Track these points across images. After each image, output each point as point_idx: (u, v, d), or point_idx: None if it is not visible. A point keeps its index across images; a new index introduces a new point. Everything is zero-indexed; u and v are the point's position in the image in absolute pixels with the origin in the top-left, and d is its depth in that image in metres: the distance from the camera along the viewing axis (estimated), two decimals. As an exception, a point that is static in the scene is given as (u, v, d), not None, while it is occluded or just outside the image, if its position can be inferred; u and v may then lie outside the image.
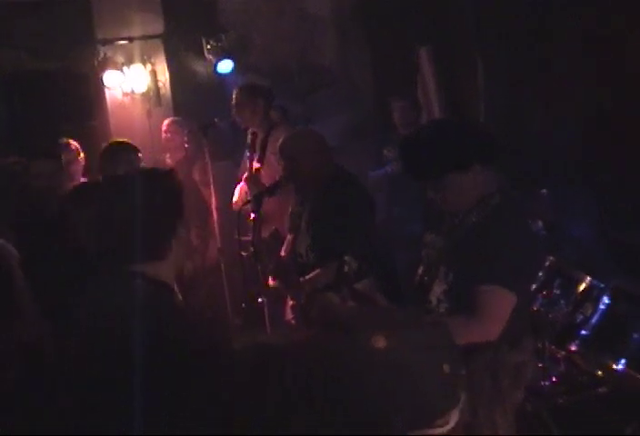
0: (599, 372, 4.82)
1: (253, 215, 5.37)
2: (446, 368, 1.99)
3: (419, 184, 3.75)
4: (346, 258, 3.83)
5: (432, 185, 3.55)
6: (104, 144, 6.17)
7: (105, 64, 8.18)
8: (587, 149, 7.07)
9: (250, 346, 1.57)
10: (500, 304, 3.37)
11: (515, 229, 3.50)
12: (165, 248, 2.68)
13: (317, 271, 4.88)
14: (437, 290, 3.56)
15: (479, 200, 3.52)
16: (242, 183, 6.45)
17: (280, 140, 5.28)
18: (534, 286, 5.01)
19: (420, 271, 3.74)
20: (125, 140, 6.08)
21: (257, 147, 6.43)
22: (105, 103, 8.50)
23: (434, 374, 1.94)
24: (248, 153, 6.43)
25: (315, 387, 1.47)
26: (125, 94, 8.43)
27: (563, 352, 4.95)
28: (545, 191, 5.78)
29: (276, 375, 1.46)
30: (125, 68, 8.28)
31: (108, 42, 8.24)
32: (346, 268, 3.78)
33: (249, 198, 5.74)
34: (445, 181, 3.46)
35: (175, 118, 7.84)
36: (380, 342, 1.81)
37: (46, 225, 4.87)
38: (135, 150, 5.79)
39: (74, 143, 6.74)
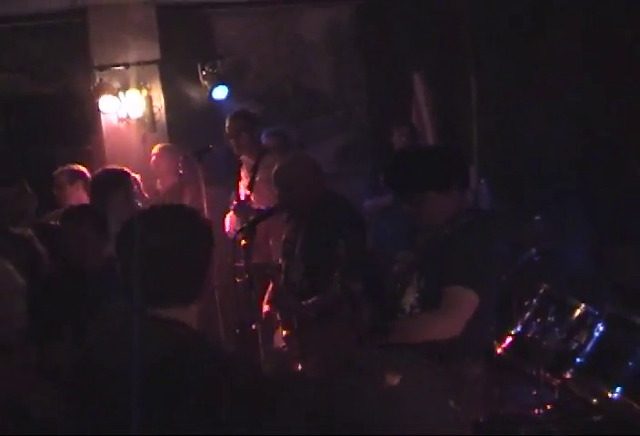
0: (594, 400, 4.79)
1: (244, 242, 5.36)
2: (452, 403, 2.02)
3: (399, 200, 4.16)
4: (349, 281, 4.07)
5: (410, 199, 3.96)
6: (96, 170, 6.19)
7: (102, 89, 8.18)
8: (582, 169, 7.10)
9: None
10: (461, 301, 3.74)
11: (480, 242, 3.88)
12: (195, 293, 2.58)
13: (318, 296, 4.86)
14: (410, 297, 3.90)
15: (451, 217, 3.92)
16: (231, 213, 6.48)
17: (273, 167, 5.28)
18: (527, 313, 5.02)
19: (391, 283, 4.06)
20: (117, 167, 6.08)
21: (247, 175, 6.47)
22: (101, 127, 8.50)
23: (442, 409, 1.97)
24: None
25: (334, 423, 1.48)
26: (121, 120, 8.43)
27: (557, 380, 4.92)
28: (538, 217, 5.78)
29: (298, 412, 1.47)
30: (120, 93, 8.29)
31: (105, 67, 8.25)
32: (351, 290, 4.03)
33: (243, 225, 5.72)
34: (424, 197, 3.89)
35: (166, 144, 7.87)
36: (393, 380, 1.85)
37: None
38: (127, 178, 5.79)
39: (68, 170, 6.76)
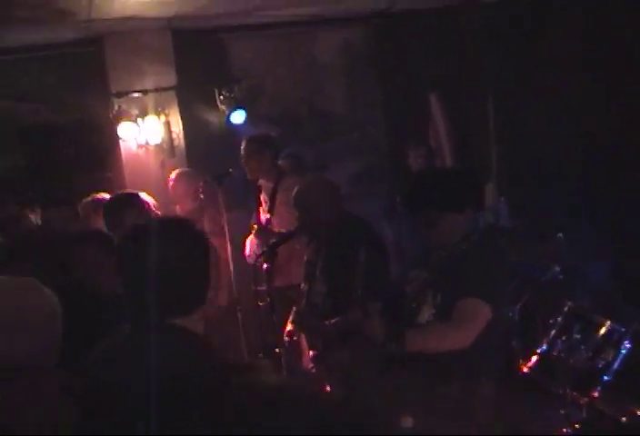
0: (623, 418, 4.75)
1: (266, 266, 5.37)
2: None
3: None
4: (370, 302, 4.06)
5: (426, 221, 4.02)
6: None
7: (120, 116, 8.22)
8: (603, 186, 7.07)
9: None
10: (474, 312, 3.79)
11: (493, 256, 4.02)
12: (197, 302, 2.65)
13: (340, 317, 4.85)
14: (426, 314, 3.95)
15: (463, 237, 4.01)
16: (251, 236, 6.48)
17: (292, 190, 5.30)
18: (552, 332, 4.99)
19: (407, 301, 4.11)
20: (134, 191, 6.09)
21: (267, 199, 6.47)
22: (120, 154, 8.53)
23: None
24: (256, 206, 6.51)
25: None
26: (140, 146, 8.46)
27: (585, 398, 4.88)
28: (560, 235, 5.76)
29: None
30: (139, 120, 8.32)
31: (122, 94, 8.28)
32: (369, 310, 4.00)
33: (263, 249, 5.73)
34: (440, 218, 3.96)
35: (183, 169, 7.88)
36: (408, 423, 1.82)
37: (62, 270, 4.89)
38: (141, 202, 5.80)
39: (92, 199, 6.81)
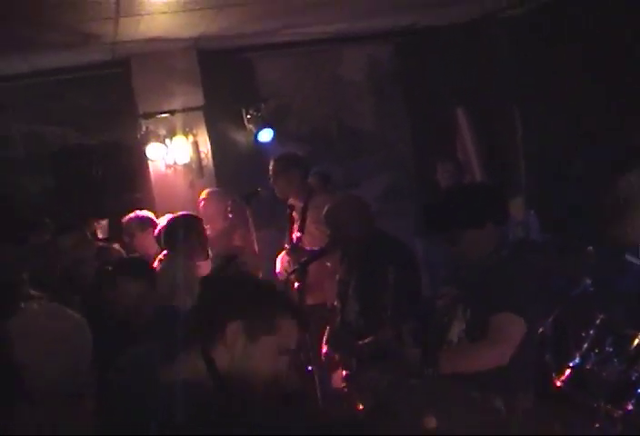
0: (658, 432, 4.71)
1: (297, 284, 5.38)
2: None
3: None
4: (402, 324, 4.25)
5: (449, 238, 4.08)
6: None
7: (148, 136, 8.28)
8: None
9: None
10: (509, 328, 3.79)
11: (524, 269, 4.01)
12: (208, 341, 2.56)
13: (373, 337, 4.86)
14: (457, 329, 3.96)
15: (492, 251, 4.02)
16: (283, 253, 6.49)
17: (323, 208, 5.33)
18: (585, 345, 4.96)
19: (437, 317, 4.13)
20: (190, 213, 6.15)
21: (298, 217, 6.48)
22: (149, 175, 8.59)
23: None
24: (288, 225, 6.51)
25: None
26: (168, 166, 8.51)
27: (619, 412, 4.83)
28: (591, 248, 5.74)
29: None
30: (167, 140, 8.38)
31: (150, 115, 8.35)
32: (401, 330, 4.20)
33: (294, 267, 5.75)
34: (462, 235, 3.99)
35: (213, 189, 7.90)
36: (431, 423, 1.82)
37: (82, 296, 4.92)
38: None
39: (138, 217, 6.87)
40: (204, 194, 7.75)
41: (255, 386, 2.54)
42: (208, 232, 7.51)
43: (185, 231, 5.66)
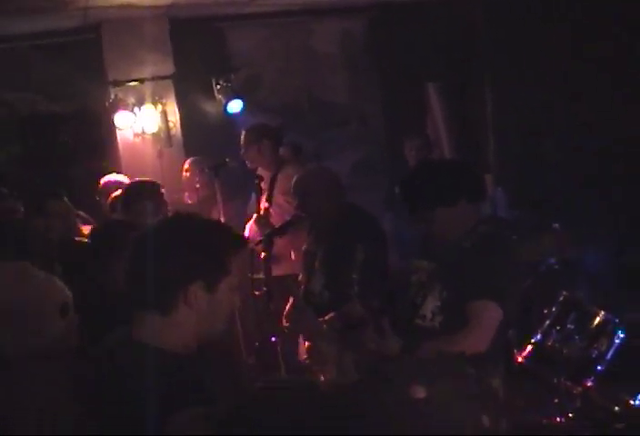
0: (616, 408, 4.76)
1: (263, 254, 5.37)
2: (485, 420, 1.98)
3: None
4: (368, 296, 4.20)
5: (422, 217, 4.01)
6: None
7: (117, 105, 8.22)
8: (601, 175, 7.07)
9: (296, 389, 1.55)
10: (489, 315, 3.77)
11: (501, 255, 3.91)
12: (167, 303, 2.44)
13: (336, 312, 4.86)
14: (431, 305, 3.93)
15: (468, 230, 3.95)
16: (251, 222, 6.46)
17: (291, 179, 5.29)
18: (547, 322, 4.99)
19: (411, 291, 4.08)
20: (149, 179, 6.06)
21: (265, 188, 6.45)
22: (117, 143, 8.54)
23: (473, 426, 1.94)
24: (255, 195, 6.47)
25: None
26: (137, 135, 8.46)
27: (579, 388, 4.88)
28: (557, 225, 5.77)
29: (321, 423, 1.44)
30: (136, 109, 8.32)
31: (119, 83, 8.29)
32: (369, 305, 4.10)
33: (260, 238, 5.73)
34: (434, 214, 3.92)
35: (196, 158, 7.81)
36: (420, 393, 1.81)
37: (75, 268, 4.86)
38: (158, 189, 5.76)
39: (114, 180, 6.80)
40: (187, 164, 7.66)
41: (217, 334, 2.51)
42: (189, 201, 7.47)
43: (139, 197, 5.57)
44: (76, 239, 5.45)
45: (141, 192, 5.59)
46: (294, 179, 5.27)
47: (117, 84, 8.27)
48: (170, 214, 5.84)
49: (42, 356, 2.85)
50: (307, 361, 5.05)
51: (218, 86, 8.48)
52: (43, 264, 3.38)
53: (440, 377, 2.75)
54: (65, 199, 5.62)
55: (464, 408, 2.12)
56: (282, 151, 7.04)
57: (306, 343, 5.11)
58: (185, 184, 7.58)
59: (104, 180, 6.95)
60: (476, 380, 3.71)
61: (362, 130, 9.78)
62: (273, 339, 5.49)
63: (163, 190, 5.64)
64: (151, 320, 2.44)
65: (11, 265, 3.11)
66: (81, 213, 6.61)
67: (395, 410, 1.67)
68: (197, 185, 7.17)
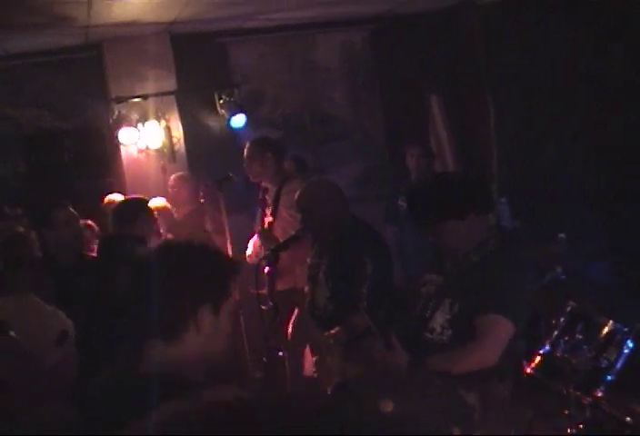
0: (627, 418, 4.73)
1: (268, 269, 5.36)
2: (456, 431, 1.98)
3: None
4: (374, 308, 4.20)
5: (431, 230, 4.04)
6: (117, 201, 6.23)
7: (120, 121, 8.23)
8: (601, 185, 7.06)
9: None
10: (500, 331, 3.80)
11: (512, 269, 3.94)
12: (178, 328, 2.48)
13: (341, 327, 4.85)
14: (440, 319, 3.94)
15: (479, 243, 3.99)
16: (255, 237, 6.46)
17: (295, 193, 5.29)
18: (555, 332, 4.97)
19: (420, 305, 4.11)
20: (140, 196, 6.11)
21: (270, 202, 6.45)
22: (121, 159, 8.55)
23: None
24: (260, 208, 6.47)
25: None
26: (140, 151, 8.47)
27: (588, 398, 4.85)
28: (562, 235, 5.75)
29: None
30: (139, 125, 8.33)
31: (122, 99, 8.30)
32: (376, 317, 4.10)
33: (265, 253, 5.72)
34: (443, 227, 3.95)
35: (181, 173, 7.91)
36: (388, 407, 1.79)
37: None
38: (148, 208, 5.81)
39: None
40: (171, 180, 7.74)
41: (219, 354, 2.61)
42: (175, 216, 7.49)
43: (133, 213, 5.60)
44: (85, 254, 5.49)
45: (130, 209, 5.65)
46: (297, 192, 5.27)
47: (120, 100, 8.27)
48: (161, 230, 5.93)
49: (39, 385, 2.84)
50: (315, 375, 5.06)
51: (221, 101, 8.49)
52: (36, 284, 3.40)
53: (409, 391, 2.76)
54: (70, 208, 5.62)
55: (432, 421, 2.12)
56: (287, 165, 7.04)
57: (314, 358, 5.12)
58: (171, 200, 7.60)
59: (107, 199, 7.00)
60: (446, 392, 3.73)
61: (364, 143, 9.78)
62: (280, 353, 5.48)
63: (168, 205, 5.68)
64: (158, 348, 2.48)
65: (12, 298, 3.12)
66: (90, 222, 6.64)
67: (362, 425, 1.65)
68: (202, 200, 7.17)
